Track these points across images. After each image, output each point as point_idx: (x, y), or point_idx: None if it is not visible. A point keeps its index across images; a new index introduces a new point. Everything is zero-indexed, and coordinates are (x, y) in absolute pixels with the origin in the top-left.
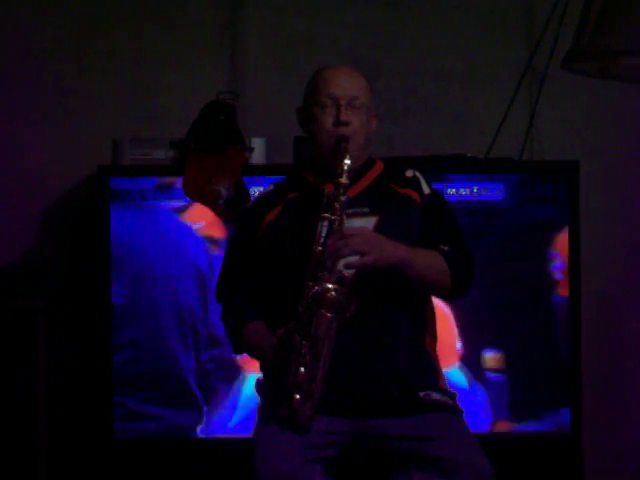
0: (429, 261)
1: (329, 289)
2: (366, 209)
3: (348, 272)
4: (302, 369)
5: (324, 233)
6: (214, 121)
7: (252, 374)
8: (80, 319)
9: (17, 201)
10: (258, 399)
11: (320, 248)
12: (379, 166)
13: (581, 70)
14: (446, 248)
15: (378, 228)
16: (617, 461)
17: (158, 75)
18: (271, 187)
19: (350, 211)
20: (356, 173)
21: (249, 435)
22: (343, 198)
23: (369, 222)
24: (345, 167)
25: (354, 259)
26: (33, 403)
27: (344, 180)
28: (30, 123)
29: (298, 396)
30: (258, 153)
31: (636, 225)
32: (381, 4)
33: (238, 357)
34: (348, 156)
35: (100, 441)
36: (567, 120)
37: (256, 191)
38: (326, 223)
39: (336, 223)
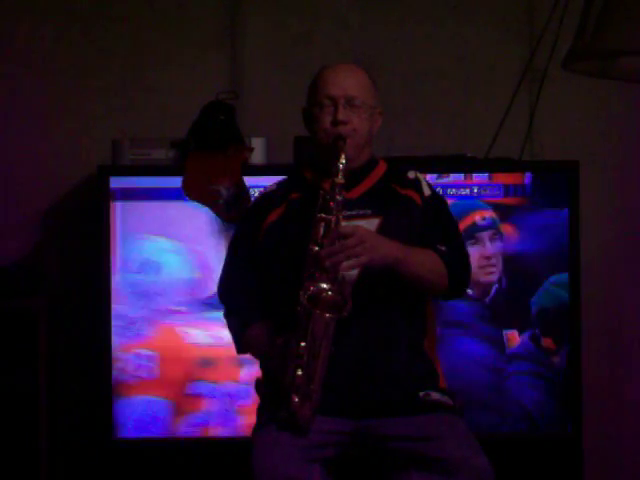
0: (425, 260)
1: (325, 289)
2: (369, 211)
3: (348, 272)
4: (299, 371)
5: (321, 233)
6: (214, 121)
7: None
8: (80, 319)
9: (17, 201)
10: (257, 399)
11: (317, 248)
12: (382, 167)
13: (581, 70)
14: (443, 248)
15: (380, 230)
16: (617, 462)
17: (158, 75)
18: (273, 186)
19: (353, 212)
20: (359, 173)
21: (249, 435)
22: (339, 197)
23: (372, 224)
24: (340, 166)
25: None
26: (33, 403)
27: (340, 179)
28: (30, 123)
29: (297, 398)
30: (258, 153)
31: (636, 225)
32: (381, 4)
33: None
34: (344, 155)
35: (100, 441)
36: (567, 120)
37: (256, 191)
38: (323, 223)
39: (332, 223)
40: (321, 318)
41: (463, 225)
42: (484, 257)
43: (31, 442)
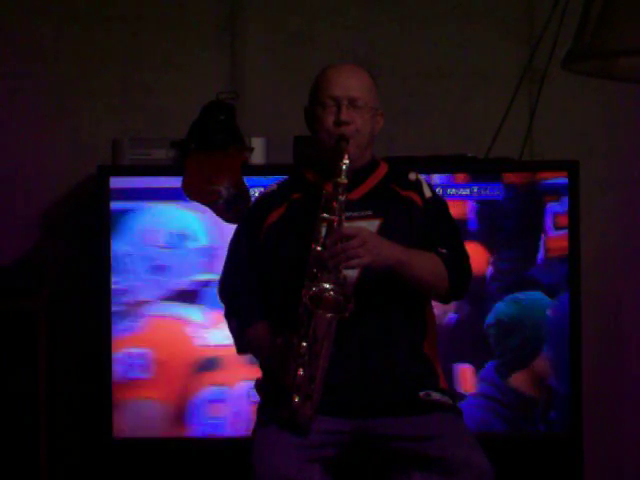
0: (427, 263)
1: (327, 289)
2: (369, 212)
3: (349, 273)
4: (301, 370)
5: (324, 233)
6: (214, 121)
7: None
8: (80, 319)
9: (17, 201)
10: (258, 399)
11: (319, 248)
12: (383, 168)
13: (581, 70)
14: (444, 251)
15: (381, 231)
16: (617, 462)
17: (158, 75)
18: (274, 186)
19: (355, 214)
20: (360, 174)
21: (249, 435)
22: (342, 198)
23: (372, 225)
24: (344, 167)
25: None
26: (33, 403)
27: (343, 180)
28: (30, 123)
29: (297, 398)
30: (258, 153)
31: (636, 225)
32: (381, 4)
33: None
34: (347, 156)
35: (100, 441)
36: (567, 120)
37: (256, 191)
38: (325, 223)
39: (335, 223)
40: (323, 318)
41: None
42: None
43: (31, 442)
